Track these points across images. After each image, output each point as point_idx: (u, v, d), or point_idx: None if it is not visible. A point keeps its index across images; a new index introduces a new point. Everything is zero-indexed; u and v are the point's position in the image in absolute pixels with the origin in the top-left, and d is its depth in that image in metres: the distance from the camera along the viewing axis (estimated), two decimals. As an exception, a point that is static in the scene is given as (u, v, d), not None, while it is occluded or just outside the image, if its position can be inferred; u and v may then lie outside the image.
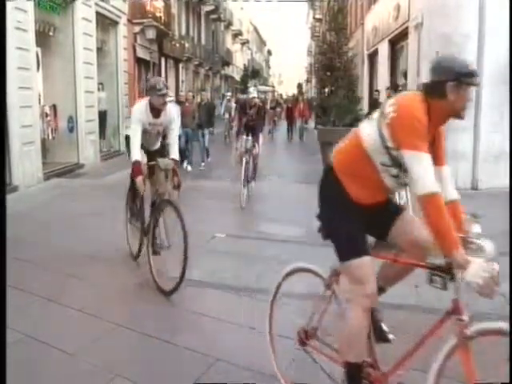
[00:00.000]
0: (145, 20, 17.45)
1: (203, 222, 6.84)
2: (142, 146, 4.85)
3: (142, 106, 4.77)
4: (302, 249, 5.68)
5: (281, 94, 46.48)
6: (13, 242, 5.68)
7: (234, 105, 18.28)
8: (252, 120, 8.99)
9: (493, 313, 3.83)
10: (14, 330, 3.58)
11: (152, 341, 3.54)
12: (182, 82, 25.85)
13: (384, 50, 15.71)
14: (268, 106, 23.01)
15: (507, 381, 2.36)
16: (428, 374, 2.16)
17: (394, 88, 10.81)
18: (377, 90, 13.81)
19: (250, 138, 8.70)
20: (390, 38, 14.82)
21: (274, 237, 6.20)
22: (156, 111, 4.75)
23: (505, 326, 2.04)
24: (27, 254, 5.40)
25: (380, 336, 2.63)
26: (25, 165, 9.34)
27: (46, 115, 11.31)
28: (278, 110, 25.89)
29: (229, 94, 21.81)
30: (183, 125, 11.23)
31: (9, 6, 8.71)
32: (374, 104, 11.94)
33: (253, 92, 9.53)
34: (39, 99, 10.68)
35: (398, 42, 14.40)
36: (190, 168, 11.99)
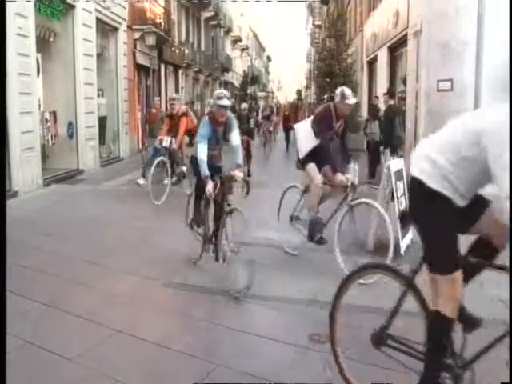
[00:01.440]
0: (145, 26, 17.50)
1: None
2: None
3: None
4: (302, 255, 5.70)
5: (276, 102, 44.12)
6: (13, 248, 5.68)
7: None
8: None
9: (493, 319, 3.83)
10: (14, 335, 3.58)
11: (152, 346, 3.54)
12: (182, 88, 25.89)
13: (383, 56, 15.77)
14: (260, 116, 20.34)
15: (507, 380, 2.37)
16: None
17: (391, 94, 10.83)
18: (376, 96, 13.86)
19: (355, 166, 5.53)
20: (389, 44, 14.88)
21: (273, 243, 6.20)
22: None
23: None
24: (27, 259, 5.40)
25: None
26: (25, 170, 9.35)
27: (46, 121, 11.33)
28: (275, 118, 21.24)
29: (211, 101, 15.13)
30: (152, 135, 11.00)
31: (10, 11, 8.74)
32: (374, 110, 11.96)
33: (351, 97, 5.51)
34: (39, 105, 10.70)
35: (397, 48, 14.47)
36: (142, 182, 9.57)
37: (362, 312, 3.55)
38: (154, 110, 12.18)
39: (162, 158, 8.98)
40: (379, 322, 2.71)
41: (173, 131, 9.13)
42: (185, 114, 9.22)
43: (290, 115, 20.57)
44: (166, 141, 9.01)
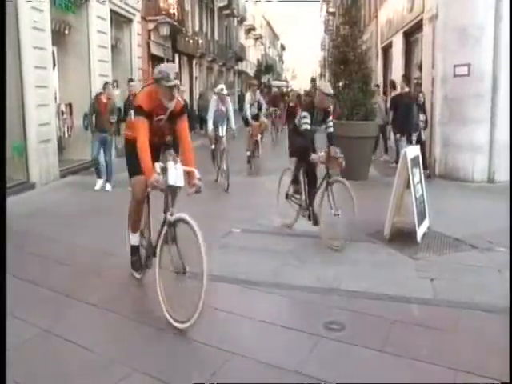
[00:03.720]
0: (158, 17, 17.52)
1: (219, 217, 6.88)
2: None
3: None
4: (317, 243, 5.69)
5: (287, 90, 39.00)
6: (30, 238, 5.79)
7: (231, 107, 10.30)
8: None
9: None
10: (32, 324, 3.65)
11: (168, 335, 3.58)
12: (196, 78, 25.89)
13: (398, 42, 15.55)
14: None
15: (507, 380, 2.35)
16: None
17: (407, 81, 10.65)
18: (377, 85, 13.72)
19: None
20: (404, 30, 14.65)
21: (290, 232, 6.21)
22: None
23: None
24: (45, 249, 5.47)
25: None
26: (42, 162, 9.46)
27: (62, 113, 11.43)
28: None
29: (222, 86, 10.64)
30: (99, 127, 9.38)
31: (26, 6, 8.83)
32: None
33: None
34: (55, 97, 10.79)
35: (412, 34, 14.24)
36: (109, 187, 9.43)
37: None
38: (104, 99, 9.48)
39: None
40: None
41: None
42: None
43: (297, 107, 16.36)
44: None
